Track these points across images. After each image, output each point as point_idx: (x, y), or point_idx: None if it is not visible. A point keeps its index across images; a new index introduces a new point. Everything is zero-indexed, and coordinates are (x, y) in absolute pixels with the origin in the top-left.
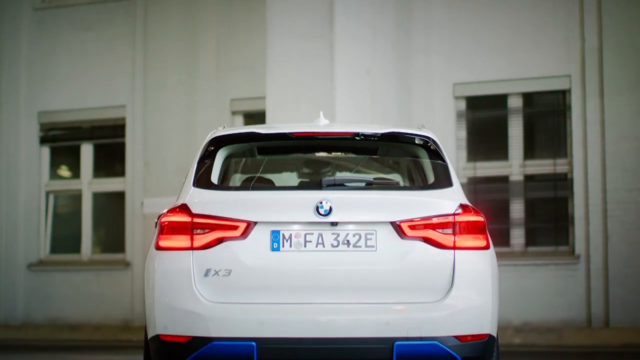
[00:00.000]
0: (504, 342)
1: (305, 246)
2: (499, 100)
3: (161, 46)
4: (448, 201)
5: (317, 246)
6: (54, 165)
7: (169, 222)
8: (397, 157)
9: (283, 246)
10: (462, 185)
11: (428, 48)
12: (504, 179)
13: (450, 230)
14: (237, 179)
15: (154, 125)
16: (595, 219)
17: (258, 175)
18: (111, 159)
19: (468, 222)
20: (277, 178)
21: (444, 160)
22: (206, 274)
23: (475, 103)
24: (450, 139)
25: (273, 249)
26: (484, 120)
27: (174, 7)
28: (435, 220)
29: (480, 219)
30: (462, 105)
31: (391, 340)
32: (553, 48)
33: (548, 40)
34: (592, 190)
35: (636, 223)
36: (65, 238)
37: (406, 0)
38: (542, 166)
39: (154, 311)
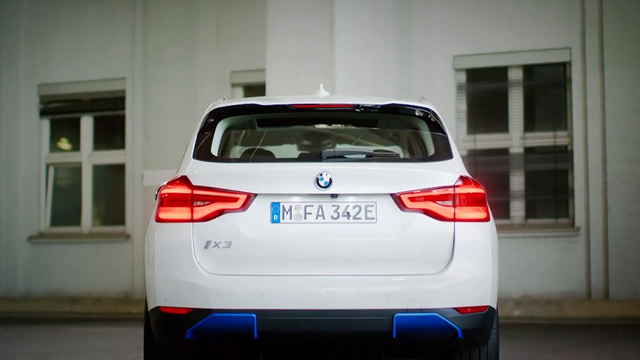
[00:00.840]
0: (504, 314)
1: (305, 218)
2: (499, 73)
3: (161, 18)
4: (448, 173)
5: (317, 218)
6: (54, 137)
7: (169, 194)
8: (397, 129)
9: (283, 218)
10: (462, 157)
11: (428, 20)
12: (504, 152)
13: (450, 202)
14: (237, 150)
15: (154, 97)
16: (595, 191)
17: (258, 147)
18: (111, 132)
19: (468, 194)
20: (277, 150)
21: (444, 132)
22: (206, 246)
23: (475, 75)
24: (451, 111)
25: (273, 221)
26: (484, 93)
27: None
28: (435, 192)
29: (480, 190)
30: (463, 77)
31: (391, 312)
32: (553, 20)
33: (548, 13)
34: (592, 163)
35: (636, 195)
36: (65, 210)
37: None
38: (542, 138)
39: (154, 283)
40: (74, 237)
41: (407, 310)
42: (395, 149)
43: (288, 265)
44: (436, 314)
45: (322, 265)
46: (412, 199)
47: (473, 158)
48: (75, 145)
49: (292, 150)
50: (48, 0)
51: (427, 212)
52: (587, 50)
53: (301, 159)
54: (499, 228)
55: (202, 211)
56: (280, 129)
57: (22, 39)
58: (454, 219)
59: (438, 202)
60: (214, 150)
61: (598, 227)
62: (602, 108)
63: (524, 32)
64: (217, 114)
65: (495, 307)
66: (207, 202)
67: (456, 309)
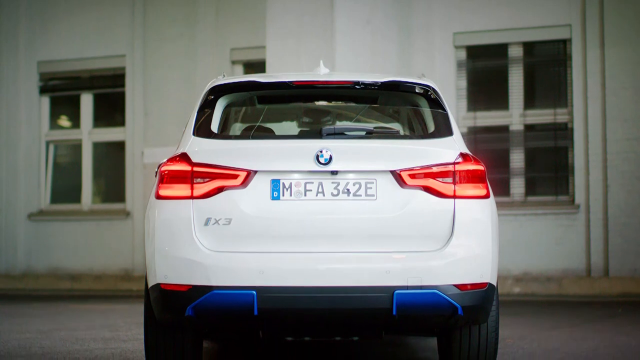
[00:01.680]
0: (504, 291)
1: (305, 195)
2: (500, 50)
3: None
4: (448, 150)
5: (317, 195)
6: (54, 115)
7: (169, 171)
8: (397, 106)
9: (283, 195)
10: (462, 134)
11: None
12: (504, 129)
13: (450, 179)
14: (237, 128)
15: (154, 75)
16: (595, 168)
17: (258, 124)
18: (111, 109)
19: (468, 171)
20: (277, 127)
21: (444, 109)
22: (206, 223)
23: (475, 52)
24: (451, 88)
25: (273, 198)
26: (485, 70)
27: None
28: (435, 169)
29: (481, 167)
30: (463, 54)
31: (391, 289)
32: None
33: None
34: (592, 140)
35: (636, 172)
36: (65, 188)
37: None
38: (542, 116)
39: (154, 260)
40: (74, 214)
41: (407, 287)
42: (395, 126)
43: (288, 242)
44: (436, 291)
45: (322, 242)
46: (412, 176)
47: (473, 135)
48: (75, 123)
49: (292, 127)
50: None
51: (427, 189)
52: (588, 28)
53: (301, 136)
54: (499, 205)
55: (202, 188)
56: (280, 106)
57: (22, 16)
58: (454, 196)
59: (438, 179)
60: (214, 127)
61: (598, 205)
62: (602, 86)
63: (524, 9)
64: (217, 91)
65: (495, 284)
66: (207, 179)
67: (456, 285)
